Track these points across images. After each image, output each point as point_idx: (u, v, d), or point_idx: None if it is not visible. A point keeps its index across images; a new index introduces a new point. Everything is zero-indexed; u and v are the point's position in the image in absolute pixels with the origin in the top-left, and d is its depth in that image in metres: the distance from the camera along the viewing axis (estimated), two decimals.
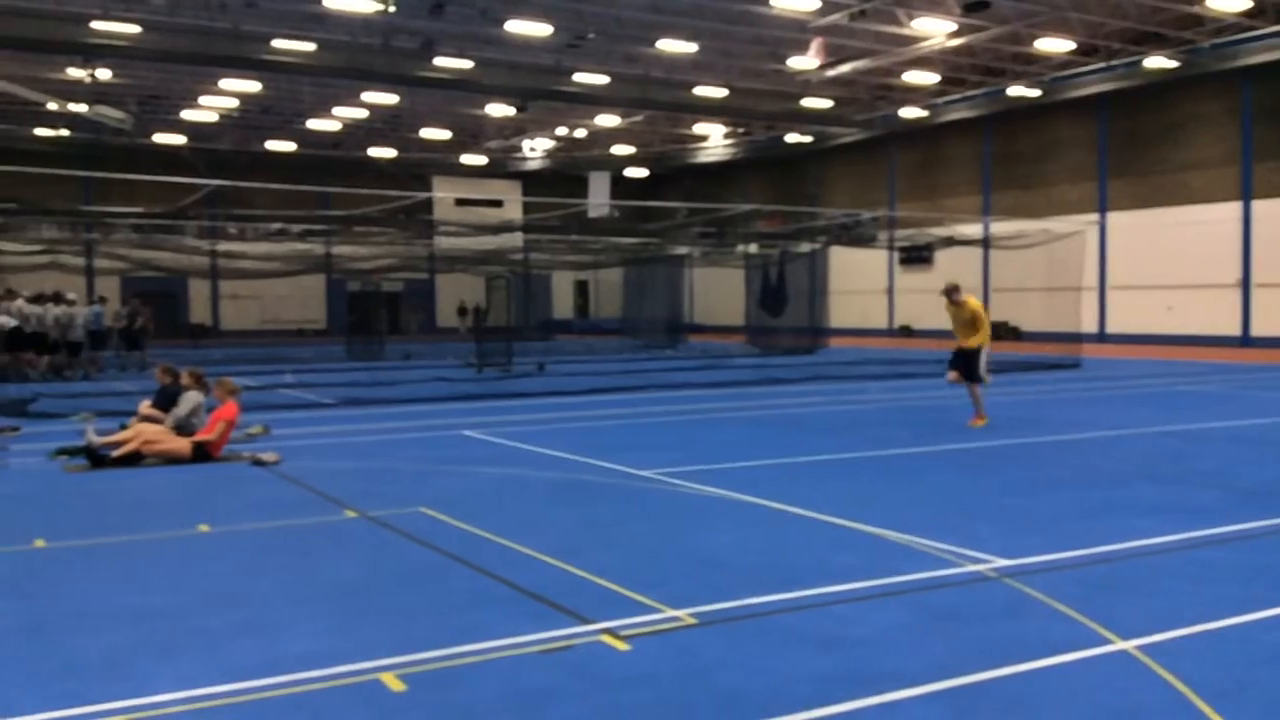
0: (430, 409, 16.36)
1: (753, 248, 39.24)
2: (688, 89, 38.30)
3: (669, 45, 32.46)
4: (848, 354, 31.35)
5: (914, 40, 31.62)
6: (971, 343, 13.54)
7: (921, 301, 44.80)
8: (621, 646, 4.94)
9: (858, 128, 43.94)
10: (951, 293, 13.78)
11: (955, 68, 36.72)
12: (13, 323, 20.89)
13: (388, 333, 39.31)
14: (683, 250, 40.48)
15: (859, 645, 4.95)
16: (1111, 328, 38.03)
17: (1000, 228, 35.90)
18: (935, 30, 30.62)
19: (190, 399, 11.81)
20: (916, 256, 43.37)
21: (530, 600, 5.73)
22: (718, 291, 49.54)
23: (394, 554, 6.94)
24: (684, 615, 5.40)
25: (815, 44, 31.70)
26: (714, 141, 50.68)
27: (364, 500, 8.65)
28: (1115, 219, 37.46)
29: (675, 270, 41.08)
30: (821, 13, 28.92)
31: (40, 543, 7.25)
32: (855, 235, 41.17)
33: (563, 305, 56.14)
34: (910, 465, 10.61)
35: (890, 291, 46.34)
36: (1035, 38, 31.80)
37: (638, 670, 4.63)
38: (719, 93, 38.58)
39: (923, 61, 34.75)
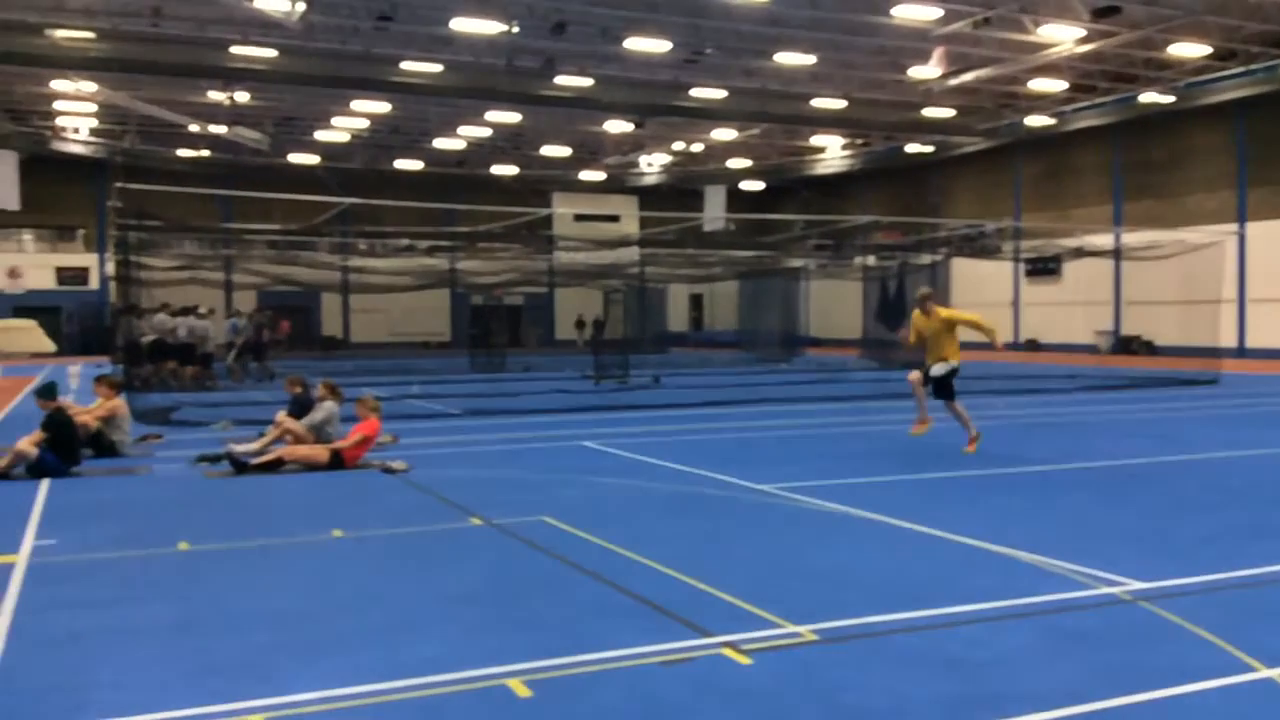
0: (550, 420, 16.61)
1: (871, 260, 38.68)
2: (806, 101, 38.08)
3: (787, 58, 32.34)
4: (971, 368, 30.56)
5: (1040, 47, 30.79)
6: (941, 361, 12.24)
7: (1049, 314, 43.51)
8: (743, 661, 4.94)
9: (981, 137, 42.99)
10: (924, 302, 12.47)
11: (1084, 74, 35.62)
12: (154, 335, 22.02)
13: (508, 345, 40.03)
14: (799, 263, 40.16)
15: (986, 667, 4.85)
16: (1252, 342, 36.24)
17: (1132, 238, 34.58)
18: (1063, 36, 29.77)
19: (325, 408, 12.31)
20: (1043, 268, 42.14)
21: (651, 611, 5.78)
22: (834, 304, 48.96)
23: (518, 562, 7.08)
24: (806, 631, 5.37)
25: (937, 53, 31.16)
26: (832, 153, 50.22)
27: (488, 508, 8.84)
28: (1256, 229, 35.71)
29: (791, 283, 40.80)
30: (944, 21, 28.43)
31: (184, 545, 7.61)
32: (979, 247, 40.18)
33: (678, 318, 56.27)
34: (1039, 483, 10.32)
35: (1016, 304, 45.13)
36: (1169, 42, 30.64)
37: (759, 685, 4.63)
38: (838, 104, 38.25)
39: (1050, 68, 33.82)
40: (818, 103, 38.14)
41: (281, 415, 13.11)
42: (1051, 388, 22.70)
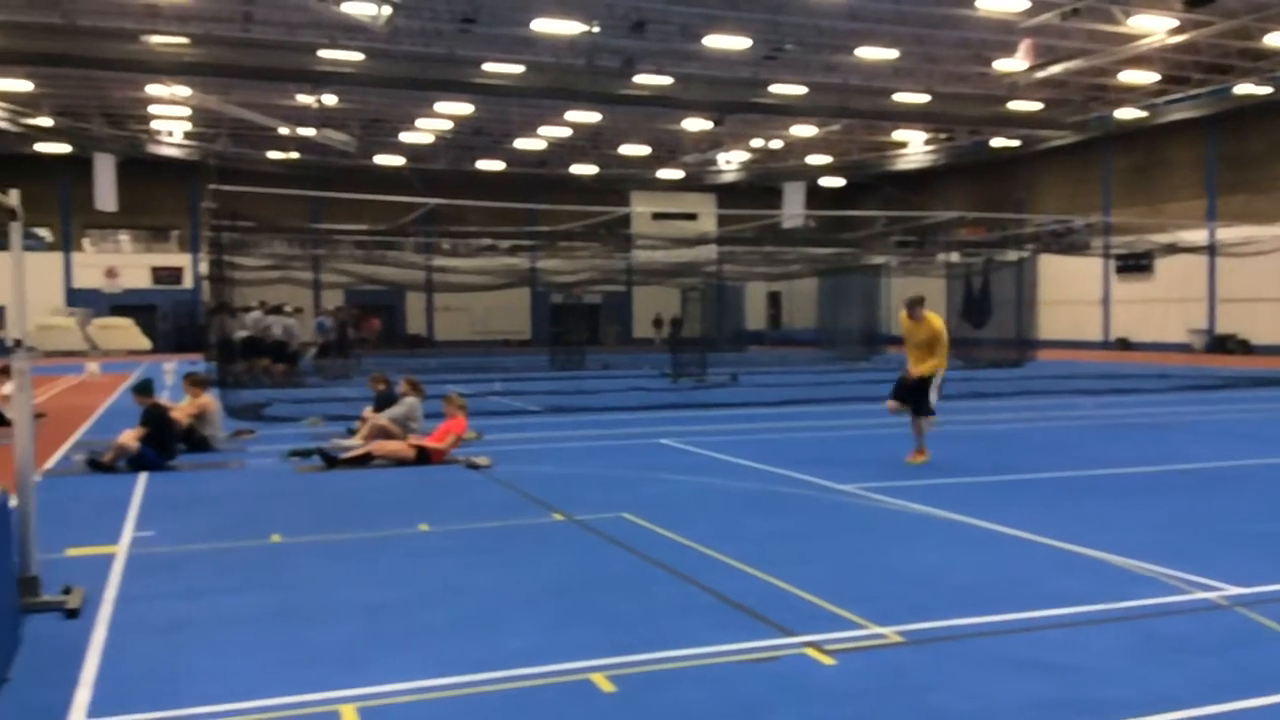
0: (628, 417, 16.68)
1: (954, 256, 38.04)
2: (888, 96, 37.60)
3: (869, 52, 31.99)
4: (1059, 367, 29.94)
5: (1131, 38, 29.97)
6: (924, 369, 11.41)
7: (1140, 312, 42.34)
8: (826, 661, 4.92)
9: (1069, 130, 41.97)
10: (913, 306, 11.62)
11: (1177, 65, 34.57)
12: (245, 332, 22.66)
13: (587, 343, 40.26)
14: (880, 260, 39.65)
15: (1077, 672, 4.76)
16: None
17: (1228, 234, 33.49)
18: (1154, 27, 28.92)
19: (407, 403, 12.58)
20: (1134, 265, 41.02)
21: (733, 609, 5.78)
22: None
23: (600, 557, 7.14)
24: (890, 633, 5.32)
25: (1024, 45, 30.51)
26: (914, 148, 49.50)
27: (570, 504, 8.93)
28: None
29: (871, 280, 40.29)
30: (1031, 13, 27.83)
31: (277, 538, 7.83)
32: (1067, 243, 39.26)
33: (755, 316, 56.01)
34: (1131, 485, 10.07)
35: (1105, 302, 44.01)
36: (1265, 32, 29.57)
37: (843, 686, 4.60)
38: (920, 98, 37.69)
39: (1141, 60, 32.88)
40: (900, 97, 37.63)
41: (368, 411, 13.44)
42: (1142, 388, 22.09)
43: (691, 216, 51.42)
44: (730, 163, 51.84)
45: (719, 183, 53.48)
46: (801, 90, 36.04)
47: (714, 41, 30.31)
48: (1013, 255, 35.68)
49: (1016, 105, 38.90)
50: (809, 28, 30.34)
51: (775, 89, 35.90)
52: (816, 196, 52.30)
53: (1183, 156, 40.91)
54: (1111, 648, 5.10)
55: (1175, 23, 28.53)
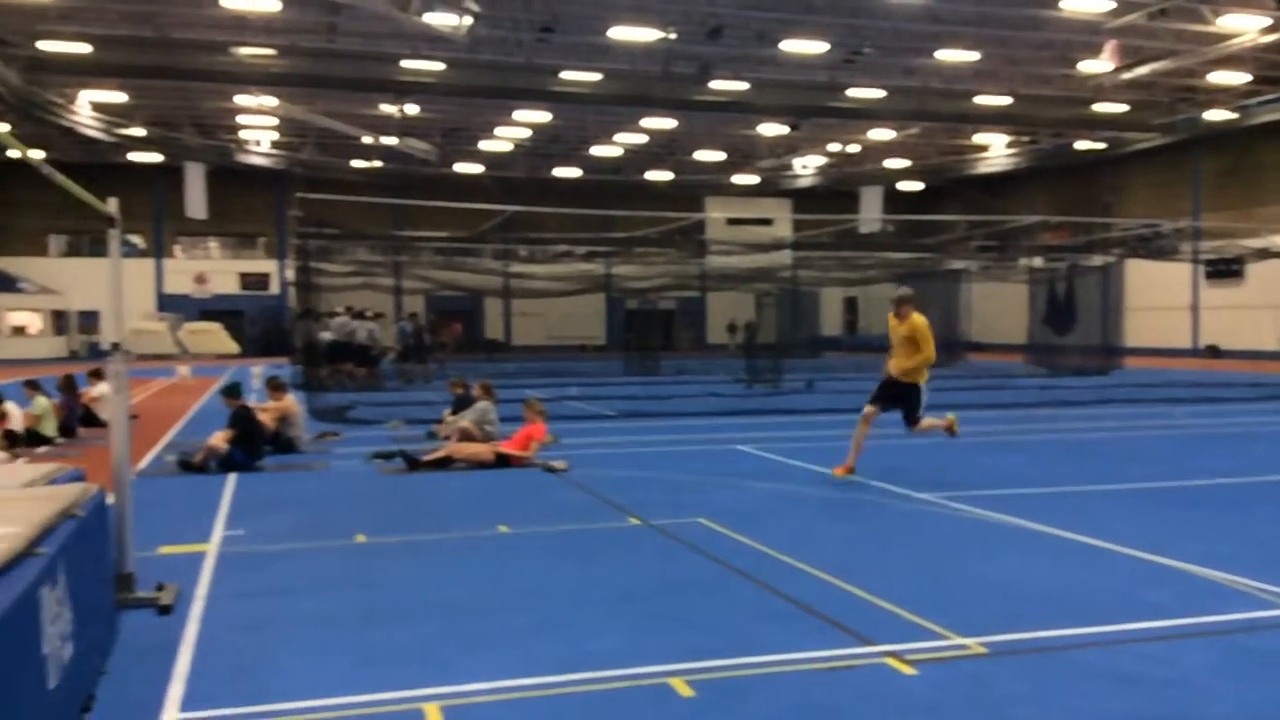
0: (703, 423, 16.67)
1: (1038, 261, 37.29)
2: (968, 98, 37.06)
3: (949, 55, 31.58)
4: (1146, 375, 29.16)
5: (1221, 38, 29.12)
6: (908, 367, 10.84)
7: (1231, 319, 41.06)
8: (907, 670, 4.87)
9: (1157, 132, 40.89)
10: (900, 304, 10.97)
11: (1270, 65, 33.45)
12: (331, 336, 23.17)
13: (661, 349, 40.32)
14: (960, 265, 39.05)
15: (1167, 686, 4.64)
16: None
17: None
18: (1245, 26, 28.05)
19: (480, 408, 12.77)
20: (1225, 270, 39.78)
21: (811, 616, 5.75)
22: (998, 308, 47.38)
23: (677, 562, 7.15)
24: (972, 644, 5.25)
25: (1109, 46, 29.82)
26: (995, 151, 48.69)
27: (646, 509, 8.96)
28: None
29: (951, 286, 39.68)
30: (1116, 13, 27.22)
31: (361, 538, 7.99)
32: (1154, 247, 38.24)
33: (831, 322, 55.52)
34: (1222, 496, 9.78)
35: (1194, 308, 42.76)
36: None
37: (925, 697, 4.55)
38: (1002, 101, 37.08)
39: (1231, 60, 31.91)
40: (981, 100, 37.06)
41: (447, 414, 13.66)
42: (1233, 396, 21.42)
43: (767, 222, 51.21)
44: (806, 167, 51.53)
45: (795, 187, 53.20)
46: (880, 94, 35.70)
47: (791, 46, 30.18)
48: (1098, 260, 34.87)
49: (1101, 107, 38.04)
50: (887, 31, 30.05)
51: (853, 93, 35.61)
52: (894, 201, 51.74)
53: (1275, 159, 39.57)
54: (1202, 662, 4.96)
55: (1267, 21, 27.65)
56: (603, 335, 54.30)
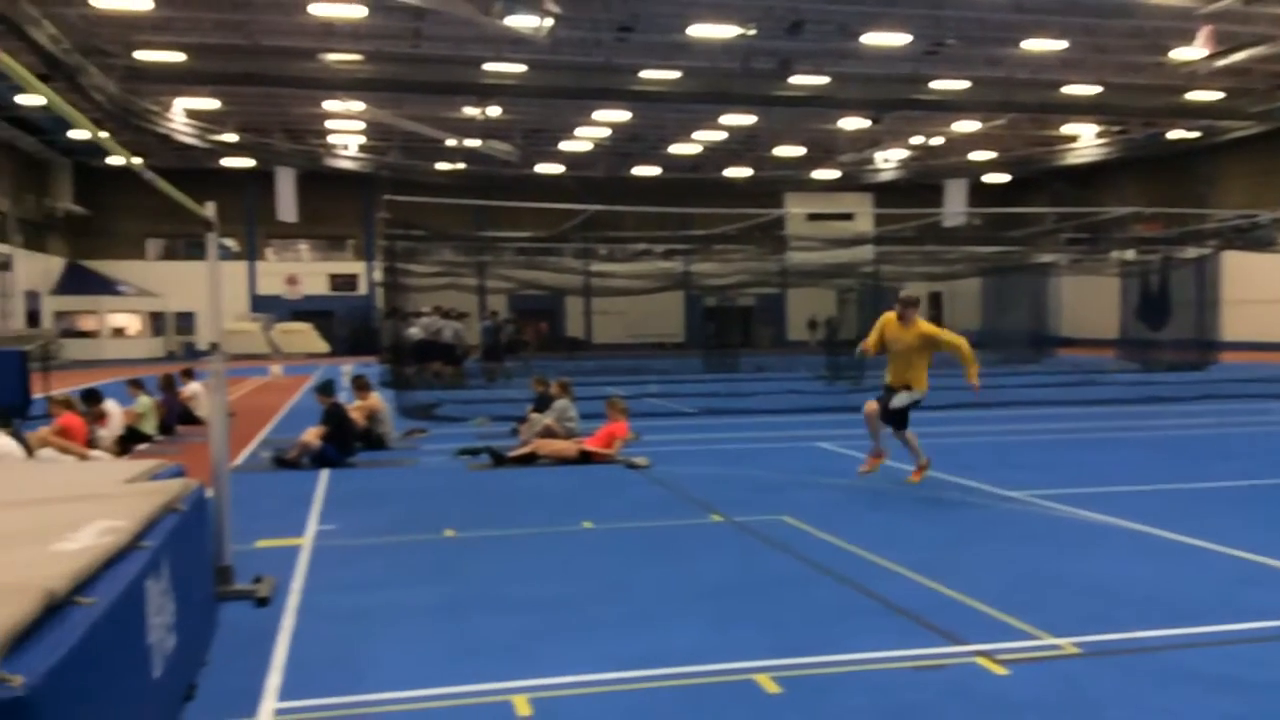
0: (784, 420, 16.59)
1: (1129, 254, 36.28)
2: (1055, 88, 36.19)
3: (1035, 44, 30.88)
4: (1244, 370, 28.20)
5: None
6: (909, 380, 9.95)
7: None
8: (998, 671, 4.80)
9: (1254, 120, 39.42)
10: (907, 307, 9.88)
11: None
12: (420, 335, 23.60)
13: (741, 346, 40.18)
14: (1049, 258, 38.17)
15: (1269, 689, 4.50)
16: None
17: None
18: None
19: (559, 406, 12.91)
20: None
21: (898, 615, 5.70)
22: (1088, 302, 46.22)
23: (760, 559, 7.14)
24: (1066, 644, 5.15)
25: (1203, 32, 28.86)
26: (1084, 142, 47.45)
27: (728, 506, 8.96)
28: None
29: (1039, 280, 38.81)
30: None
31: (450, 532, 8.13)
32: (1252, 238, 36.90)
33: None
34: None
35: None
36: None
37: (1017, 697, 4.49)
38: (1091, 90, 36.14)
39: None
40: (1069, 90, 36.17)
41: (530, 412, 13.82)
42: None
43: (848, 217, 50.67)
44: (888, 161, 50.86)
45: (877, 182, 52.54)
46: (964, 85, 35.07)
47: (873, 39, 29.82)
48: (1193, 252, 33.81)
49: (1195, 95, 36.81)
50: (972, 21, 29.50)
51: (936, 85, 35.04)
52: (980, 193, 50.77)
53: None
54: None
55: None
56: (682, 333, 54.31)
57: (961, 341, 9.93)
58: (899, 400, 9.94)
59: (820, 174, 51.85)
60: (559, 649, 5.17)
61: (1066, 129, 45.67)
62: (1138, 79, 35.66)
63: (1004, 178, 51.46)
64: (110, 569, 3.51)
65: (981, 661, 4.90)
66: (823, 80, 33.84)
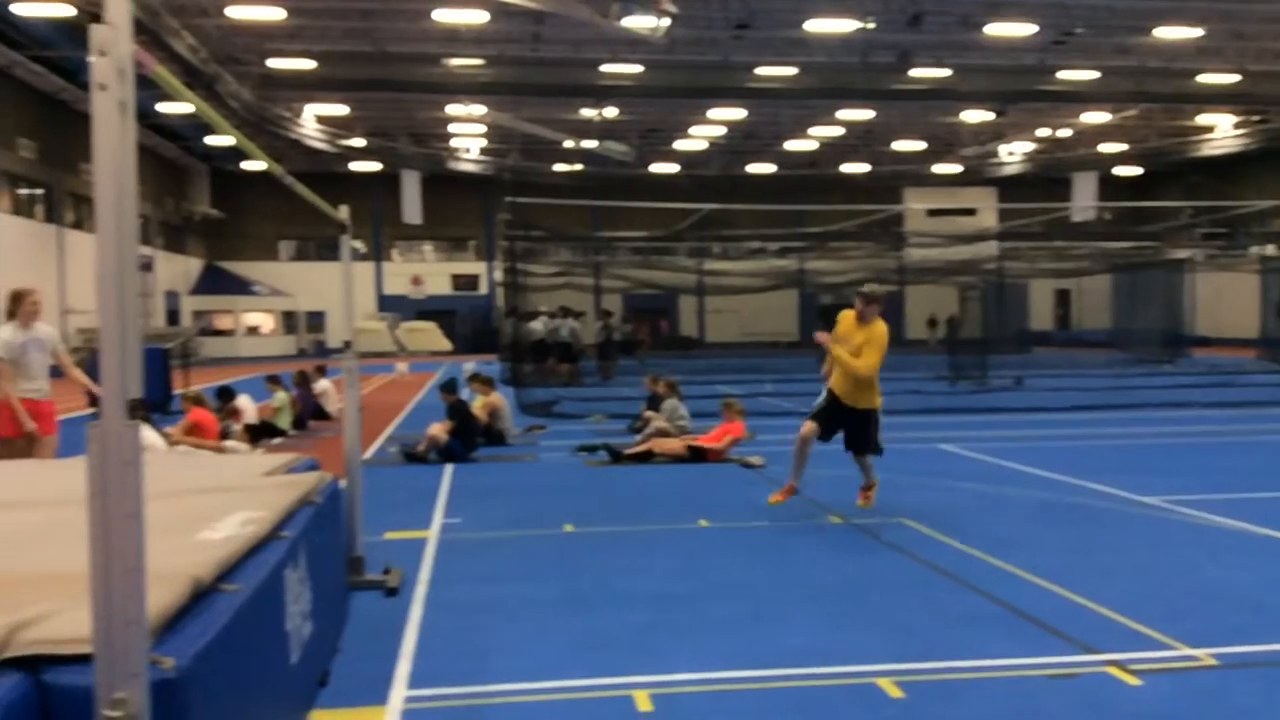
0: (903, 421, 16.25)
1: (1270, 249, 34.55)
2: (1190, 77, 34.68)
3: (1168, 32, 29.70)
4: None
5: None
6: (860, 397, 8.59)
7: None
8: (1131, 681, 4.65)
9: None
10: (870, 302, 8.49)
11: None
12: (541, 334, 24.01)
13: None
14: (1183, 254, 36.62)
15: None
16: None
17: None
18: None
19: (669, 406, 12.99)
20: None
21: (1025, 622, 5.57)
22: (1227, 300, 44.19)
23: (880, 562, 7.06)
24: (1203, 655, 4.96)
25: None
26: (1221, 132, 45.31)
27: (846, 507, 8.86)
28: None
29: (1174, 276, 37.26)
30: None
31: (569, 527, 8.26)
32: None
33: (1041, 316, 53.12)
34: None
35: None
36: None
37: (1153, 708, 4.34)
38: (1229, 79, 34.50)
39: None
40: (1205, 78, 34.61)
41: (645, 410, 13.94)
42: None
43: (970, 212, 49.43)
44: (1013, 154, 49.50)
45: (1001, 175, 51.19)
46: (1093, 75, 33.92)
47: (996, 29, 29.09)
48: None
49: None
50: (1101, 9, 28.52)
51: (1063, 75, 33.97)
52: (1110, 187, 49.00)
53: None
54: None
55: None
56: (796, 331, 53.85)
57: (870, 362, 8.33)
58: (879, 435, 8.66)
59: (941, 168, 50.79)
60: (679, 645, 5.21)
61: (1202, 119, 43.72)
62: (1278, 66, 33.92)
63: (1136, 170, 49.56)
64: (252, 558, 3.64)
65: (1113, 671, 4.76)
66: (944, 73, 33.15)
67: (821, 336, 8.61)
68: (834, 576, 6.65)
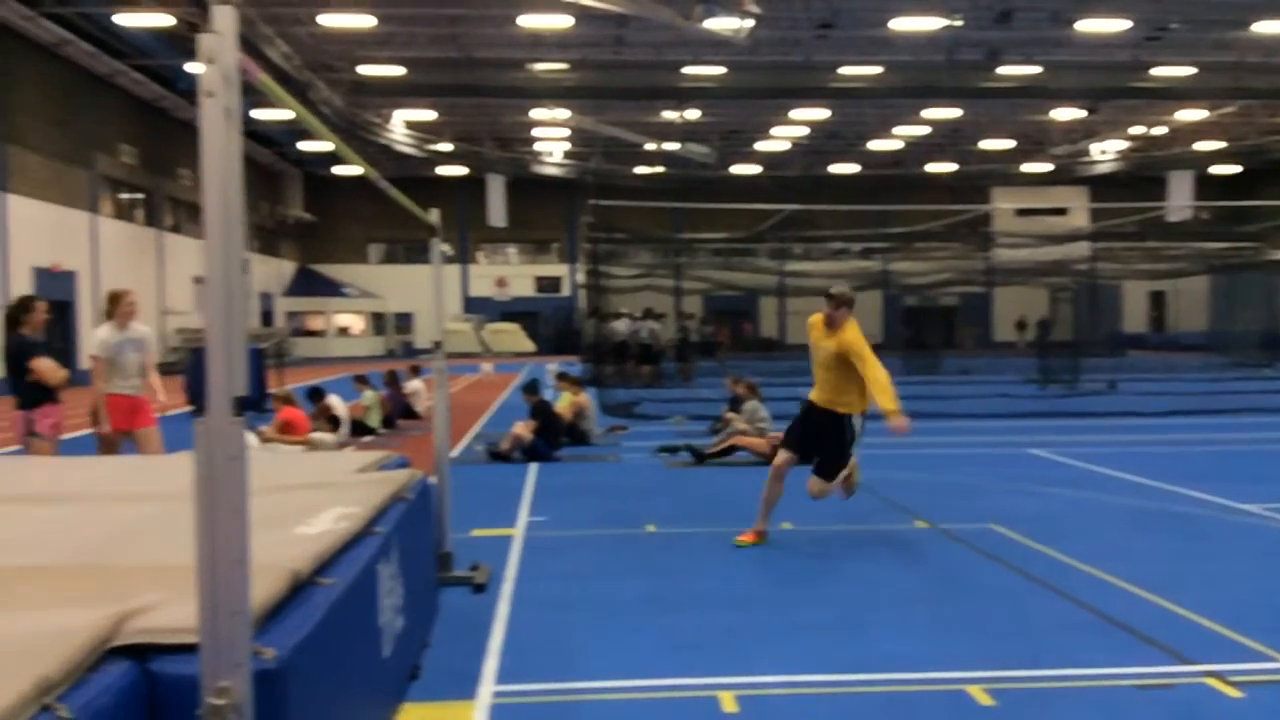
0: (992, 425, 16.00)
1: None
2: None
3: (1268, 26, 28.63)
4: None
5: None
6: (840, 402, 7.67)
7: None
8: (1232, 693, 4.51)
9: None
10: (837, 305, 7.67)
11: None
12: (623, 335, 24.15)
13: (943, 347, 39.01)
14: None
15: None
16: None
17: None
18: None
19: (749, 407, 12.94)
20: None
21: (1119, 630, 5.43)
22: None
23: (969, 568, 6.94)
24: None
25: None
26: None
27: (933, 512, 8.74)
28: None
29: (1274, 278, 35.89)
30: None
31: (651, 527, 8.29)
32: None
33: (1135, 318, 51.66)
34: None
35: None
36: None
37: None
38: None
39: None
40: None
41: (726, 411, 13.91)
42: None
43: (1061, 211, 48.32)
44: (1106, 153, 48.24)
45: (1092, 174, 49.93)
46: (1189, 71, 32.89)
47: (1088, 25, 28.41)
48: None
49: None
50: (1197, 3, 27.65)
51: (1158, 71, 33.01)
52: (1207, 186, 47.47)
53: None
54: None
55: None
56: (879, 333, 53.15)
57: (881, 376, 7.43)
58: (849, 452, 7.72)
59: (1030, 167, 49.74)
60: (764, 648, 5.19)
61: None
62: None
63: (1234, 169, 47.93)
64: (346, 553, 3.71)
65: (1212, 683, 4.61)
66: (1034, 70, 32.47)
67: (899, 424, 7.41)
68: (921, 581, 6.56)
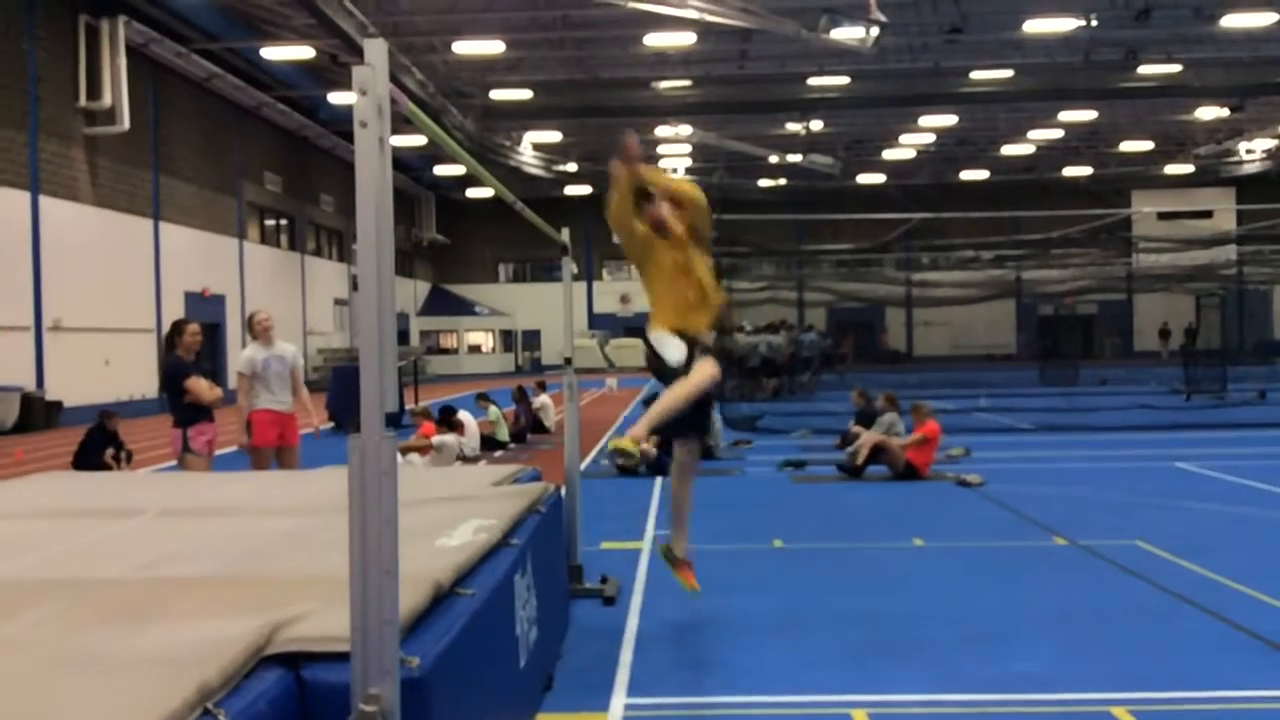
0: (1133, 437, 15.41)
1: None
2: None
3: None
4: None
5: None
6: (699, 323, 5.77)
7: None
8: None
9: None
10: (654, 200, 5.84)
11: None
12: (744, 350, 24.08)
13: (1081, 357, 37.67)
14: None
15: None
16: None
17: None
18: None
19: (886, 420, 12.71)
20: None
21: (1274, 651, 5.18)
22: None
23: (1112, 585, 6.70)
24: None
25: None
26: None
27: (1072, 528, 8.47)
28: None
29: None
30: None
31: (778, 543, 8.26)
32: None
33: None
34: None
35: None
36: None
37: None
38: None
39: None
40: None
41: (853, 425, 13.74)
42: None
43: (1206, 214, 46.22)
44: (1253, 152, 45.92)
45: (1239, 175, 47.60)
46: None
47: (1233, 21, 27.12)
48: None
49: None
50: None
51: None
52: None
53: None
54: None
55: None
56: (1012, 344, 51.69)
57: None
58: (673, 354, 5.59)
59: (1172, 169, 47.71)
60: (897, 666, 5.12)
61: None
62: None
63: None
64: (484, 564, 3.79)
65: None
66: (1175, 68, 31.15)
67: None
68: (1062, 600, 6.37)
